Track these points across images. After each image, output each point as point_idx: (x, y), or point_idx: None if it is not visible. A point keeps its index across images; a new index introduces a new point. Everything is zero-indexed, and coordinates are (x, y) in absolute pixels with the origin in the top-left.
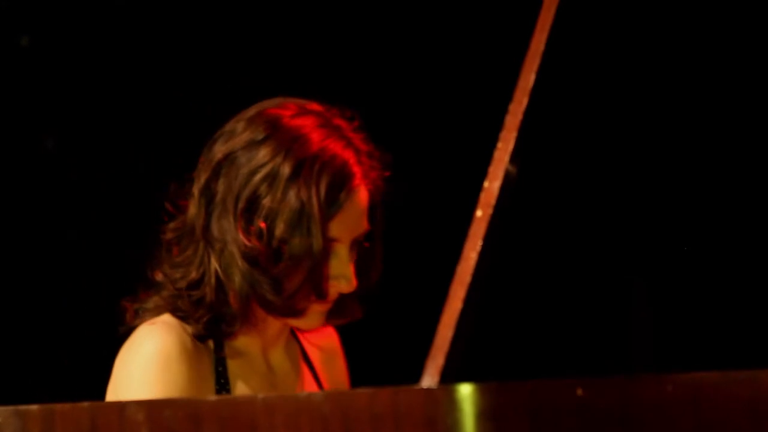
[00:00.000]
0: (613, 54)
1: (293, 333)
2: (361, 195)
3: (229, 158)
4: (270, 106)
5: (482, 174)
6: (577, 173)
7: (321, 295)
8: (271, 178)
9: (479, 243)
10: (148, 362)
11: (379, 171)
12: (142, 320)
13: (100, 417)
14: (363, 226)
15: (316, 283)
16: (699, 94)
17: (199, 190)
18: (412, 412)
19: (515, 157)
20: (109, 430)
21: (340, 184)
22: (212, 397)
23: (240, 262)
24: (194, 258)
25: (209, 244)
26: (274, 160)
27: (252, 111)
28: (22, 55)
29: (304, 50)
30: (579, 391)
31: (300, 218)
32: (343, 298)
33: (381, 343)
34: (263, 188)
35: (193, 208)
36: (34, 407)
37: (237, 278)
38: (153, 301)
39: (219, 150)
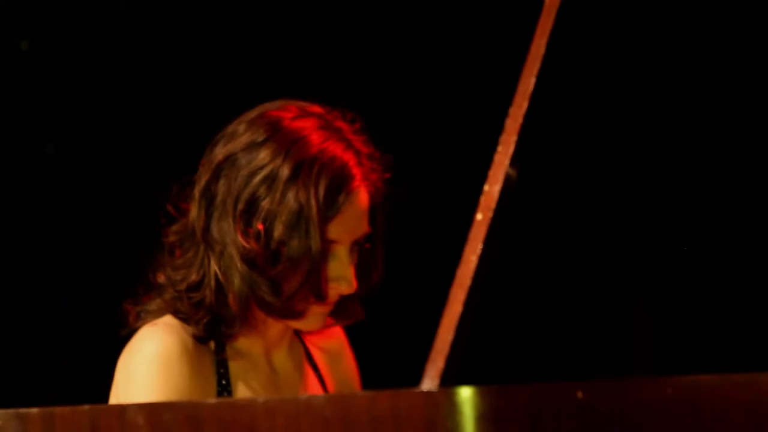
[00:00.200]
0: (613, 58)
1: (297, 335)
2: (361, 197)
3: (230, 160)
4: (271, 108)
5: (482, 177)
6: (577, 176)
7: (320, 296)
8: (271, 179)
9: (479, 246)
10: (149, 363)
11: (380, 173)
12: (144, 322)
13: (101, 420)
14: (363, 227)
15: (315, 285)
16: (699, 97)
17: (200, 192)
18: (412, 415)
19: (515, 161)
20: None
21: (339, 185)
22: (212, 400)
23: (239, 263)
24: (194, 260)
25: (209, 246)
26: (273, 161)
27: (253, 113)
28: (22, 58)
29: (305, 52)
30: (579, 394)
31: (298, 220)
32: (344, 299)
33: (381, 346)
34: (262, 190)
35: (193, 211)
36: (34, 410)
37: (236, 280)
38: (155, 303)
39: (220, 152)
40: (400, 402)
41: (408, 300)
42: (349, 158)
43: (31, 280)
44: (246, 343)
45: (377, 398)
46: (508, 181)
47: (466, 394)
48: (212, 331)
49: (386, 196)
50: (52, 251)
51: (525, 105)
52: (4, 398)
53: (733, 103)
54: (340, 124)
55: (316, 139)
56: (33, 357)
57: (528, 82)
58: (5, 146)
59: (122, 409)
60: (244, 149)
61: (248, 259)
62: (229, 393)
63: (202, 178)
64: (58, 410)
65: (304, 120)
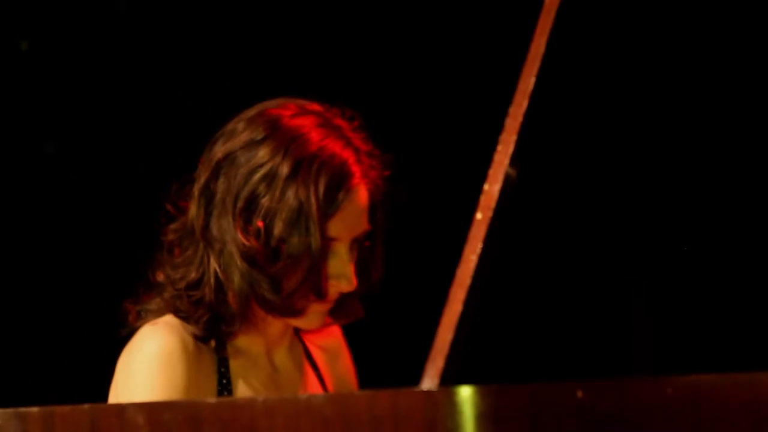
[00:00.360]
0: (613, 57)
1: (297, 333)
2: (361, 194)
3: (229, 158)
4: (270, 106)
5: (482, 177)
6: (577, 176)
7: (320, 294)
8: (270, 177)
9: (479, 246)
10: (150, 362)
11: (379, 171)
12: (145, 321)
13: (100, 419)
14: (363, 225)
15: (315, 283)
16: (699, 95)
17: (199, 191)
18: (412, 415)
19: (515, 160)
20: None
21: (338, 183)
22: (212, 399)
23: (239, 261)
24: (194, 258)
25: (209, 244)
26: (273, 159)
27: (252, 111)
28: (22, 58)
29: (304, 50)
30: (579, 394)
31: (298, 217)
32: (344, 297)
33: (381, 345)
34: (262, 187)
35: (193, 209)
36: (34, 409)
37: (236, 278)
38: (155, 303)
39: (219, 150)
40: (400, 401)
41: (408, 299)
42: (348, 156)
43: (31, 280)
44: (246, 342)
45: (377, 397)
46: (507, 181)
47: (466, 393)
48: (212, 329)
49: (386, 193)
50: (52, 251)
51: (525, 104)
52: (4, 398)
53: (733, 103)
54: (339, 121)
55: (315, 136)
56: (33, 357)
57: (528, 82)
58: (5, 146)
59: (122, 408)
60: (243, 147)
61: (248, 256)
62: (230, 392)
63: (202, 177)
64: (58, 409)
65: (303, 118)
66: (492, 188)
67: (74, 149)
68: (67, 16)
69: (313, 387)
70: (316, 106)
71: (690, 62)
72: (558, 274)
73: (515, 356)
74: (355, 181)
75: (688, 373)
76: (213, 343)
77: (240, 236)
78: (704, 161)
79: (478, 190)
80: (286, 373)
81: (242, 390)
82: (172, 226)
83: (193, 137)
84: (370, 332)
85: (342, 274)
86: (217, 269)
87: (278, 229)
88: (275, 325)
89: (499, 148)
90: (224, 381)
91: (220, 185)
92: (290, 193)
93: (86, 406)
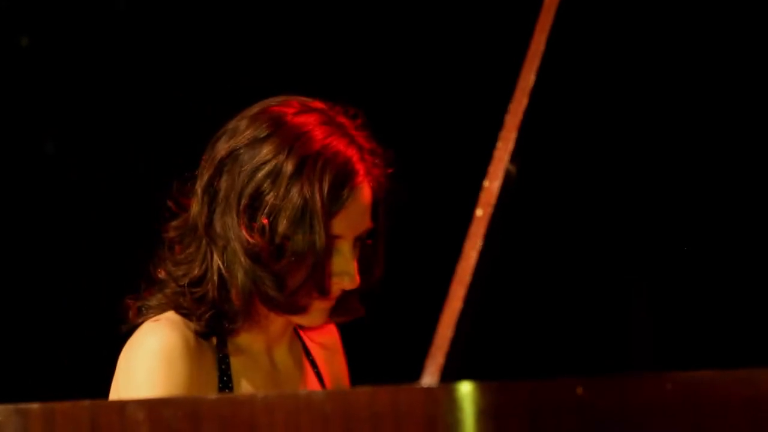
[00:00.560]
0: (613, 54)
1: (296, 331)
2: (364, 192)
3: (232, 155)
4: (273, 103)
5: (482, 173)
6: (577, 173)
7: (323, 291)
8: (274, 175)
9: (479, 242)
10: (151, 358)
11: (382, 168)
12: (146, 318)
13: (101, 416)
14: (366, 223)
15: (319, 280)
16: (699, 94)
17: (202, 188)
18: (412, 411)
19: (515, 157)
20: (110, 428)
21: (342, 181)
22: (212, 395)
23: (243, 258)
24: (197, 255)
25: (212, 241)
26: (277, 157)
27: (255, 108)
28: (21, 57)
29: (305, 49)
30: (579, 390)
31: (303, 215)
32: (346, 295)
33: (381, 341)
34: (266, 185)
35: (195, 206)
36: (34, 406)
37: (240, 275)
38: (156, 299)
39: (222, 147)
40: (400, 398)
41: (408, 296)
42: (352, 154)
43: (31, 279)
44: (247, 339)
45: (377, 394)
46: (508, 178)
47: (466, 390)
48: (214, 326)
49: (388, 191)
50: (52, 251)
51: (525, 101)
52: (4, 399)
53: (733, 102)
54: (343, 119)
55: (319, 134)
56: (33, 356)
57: (528, 79)
58: (5, 146)
59: (122, 404)
60: (246, 145)
61: (252, 253)
62: (231, 389)
63: (204, 174)
64: (59, 406)
65: (307, 115)
66: (492, 185)
67: (74, 149)
68: (67, 15)
69: (313, 384)
70: (318, 104)
71: (690, 60)
72: (558, 270)
73: (515, 353)
74: (359, 178)
75: (688, 370)
76: (214, 340)
77: (244, 233)
78: (704, 160)
79: (478, 187)
80: (286, 371)
81: (243, 387)
82: (174, 223)
83: (193, 137)
84: (371, 329)
85: (345, 272)
86: (221, 266)
87: (282, 226)
88: (277, 323)
89: (499, 144)
90: (225, 378)
91: (224, 182)
92: (295, 191)
93: (86, 402)
